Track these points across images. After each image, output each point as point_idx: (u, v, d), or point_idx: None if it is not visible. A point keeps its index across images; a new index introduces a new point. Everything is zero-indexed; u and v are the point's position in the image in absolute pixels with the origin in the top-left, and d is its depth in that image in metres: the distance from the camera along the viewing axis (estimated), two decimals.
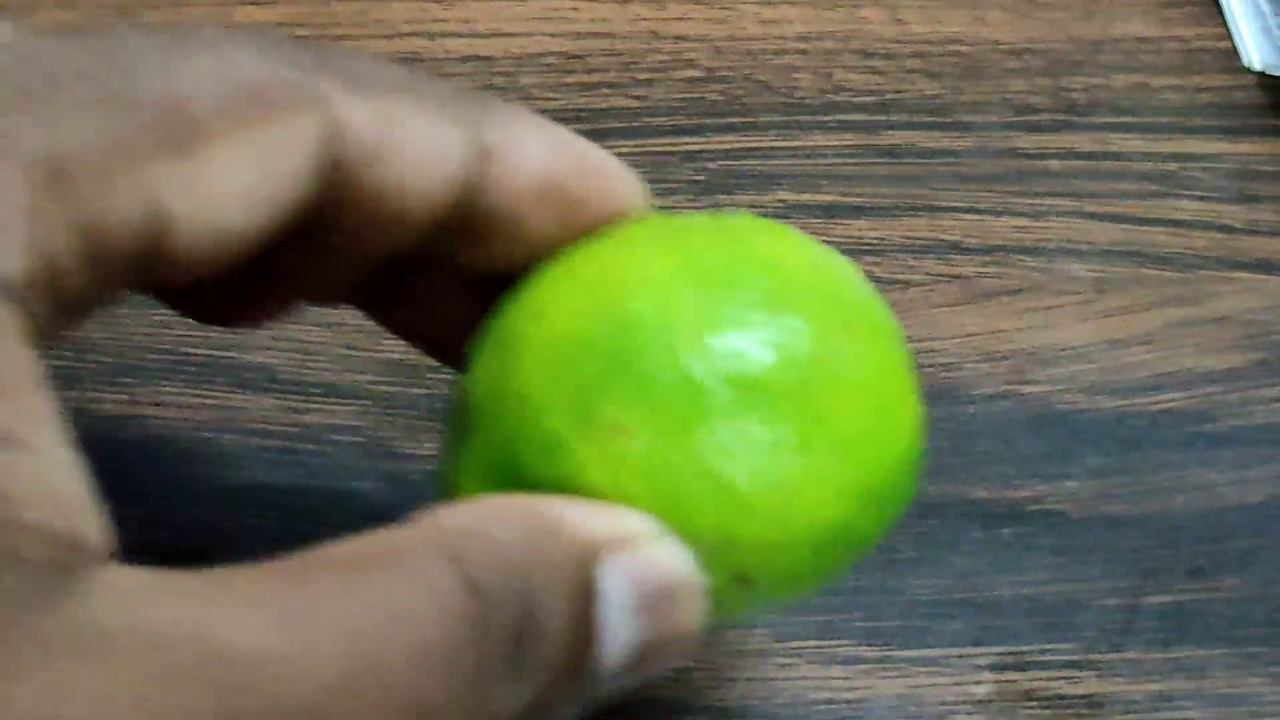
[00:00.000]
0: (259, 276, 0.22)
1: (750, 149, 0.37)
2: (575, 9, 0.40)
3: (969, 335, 0.34)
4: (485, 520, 0.18)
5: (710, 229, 0.22)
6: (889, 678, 0.28)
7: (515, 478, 0.21)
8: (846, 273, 0.23)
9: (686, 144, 0.37)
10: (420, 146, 0.20)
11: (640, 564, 0.19)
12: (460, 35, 0.39)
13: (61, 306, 0.17)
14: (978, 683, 0.28)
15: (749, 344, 0.20)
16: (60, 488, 0.15)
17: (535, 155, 0.21)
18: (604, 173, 0.22)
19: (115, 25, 0.18)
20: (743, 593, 0.21)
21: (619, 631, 0.19)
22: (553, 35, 0.39)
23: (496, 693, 0.17)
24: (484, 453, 0.22)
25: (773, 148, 0.37)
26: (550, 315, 0.21)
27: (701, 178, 0.36)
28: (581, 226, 0.22)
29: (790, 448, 0.20)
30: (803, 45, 0.40)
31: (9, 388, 0.15)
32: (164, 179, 0.18)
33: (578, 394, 0.20)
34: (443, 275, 0.24)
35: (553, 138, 0.22)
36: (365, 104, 0.20)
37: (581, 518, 0.19)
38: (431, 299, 0.25)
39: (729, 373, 0.20)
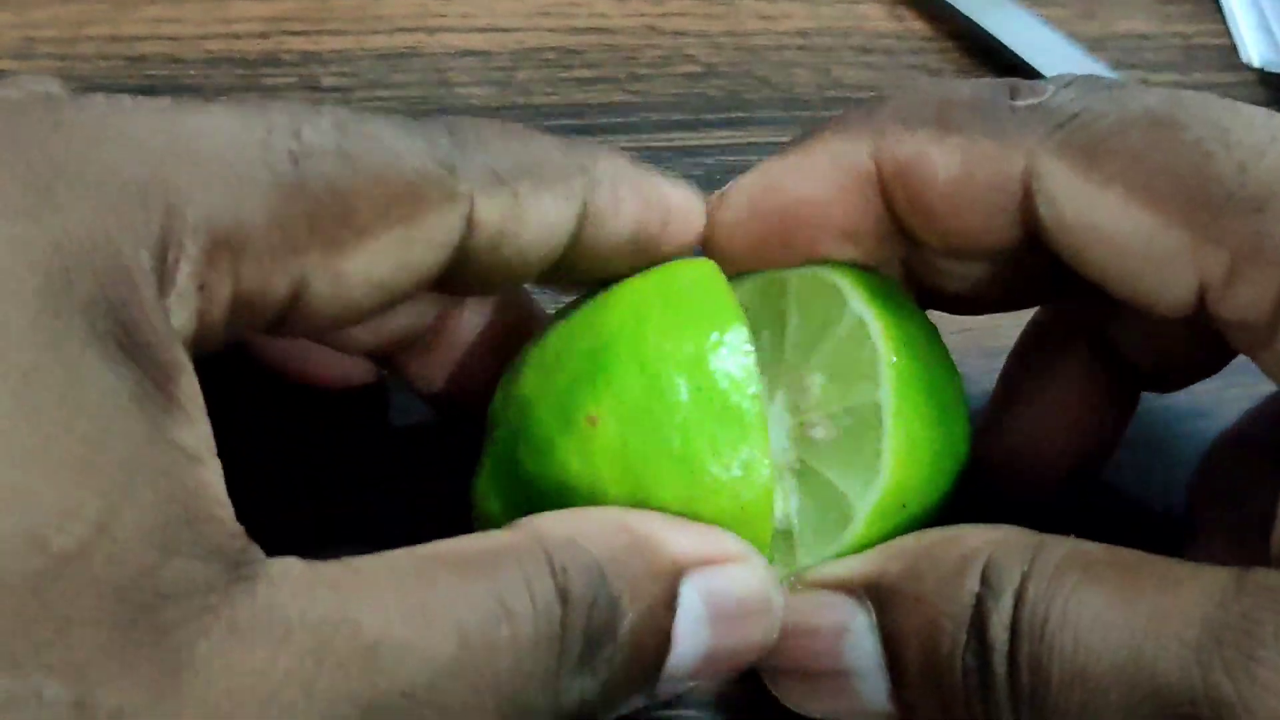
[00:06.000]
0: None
1: (748, 144, 0.37)
2: (574, 4, 0.40)
3: (967, 329, 0.34)
4: (581, 532, 0.20)
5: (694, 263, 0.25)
6: None
7: (516, 475, 0.23)
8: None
9: (684, 139, 0.37)
10: (538, 227, 0.22)
11: (720, 581, 0.21)
12: (458, 30, 0.39)
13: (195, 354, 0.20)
14: None
15: (704, 346, 0.22)
16: (224, 499, 0.18)
17: (629, 214, 0.23)
18: (679, 214, 0.24)
19: (289, 109, 0.20)
20: None
21: (690, 641, 0.20)
22: (551, 30, 0.39)
23: (568, 685, 0.19)
24: (496, 454, 0.24)
25: (771, 143, 0.37)
26: (549, 336, 0.24)
27: (699, 173, 0.36)
28: (654, 259, 0.24)
29: (742, 430, 0.22)
30: (801, 41, 0.40)
31: (193, 416, 0.18)
32: (314, 266, 0.20)
33: (562, 395, 0.22)
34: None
35: (644, 190, 0.24)
36: (498, 197, 0.21)
37: (673, 535, 0.21)
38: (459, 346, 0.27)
39: (686, 368, 0.22)
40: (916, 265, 0.25)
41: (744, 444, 0.22)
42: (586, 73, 0.38)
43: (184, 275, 0.18)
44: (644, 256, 0.24)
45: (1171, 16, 0.41)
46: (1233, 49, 0.40)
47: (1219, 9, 0.41)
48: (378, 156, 0.20)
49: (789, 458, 0.24)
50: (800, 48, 0.39)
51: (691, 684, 0.21)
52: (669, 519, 0.21)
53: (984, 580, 0.20)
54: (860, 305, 0.24)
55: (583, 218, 0.23)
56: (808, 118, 0.38)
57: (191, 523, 0.17)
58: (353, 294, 0.20)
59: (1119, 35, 0.41)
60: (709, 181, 0.36)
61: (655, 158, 0.36)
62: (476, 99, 0.37)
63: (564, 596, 0.19)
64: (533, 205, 0.22)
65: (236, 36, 0.38)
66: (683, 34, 0.39)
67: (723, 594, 0.21)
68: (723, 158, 0.37)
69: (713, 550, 0.21)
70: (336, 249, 0.20)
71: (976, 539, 0.21)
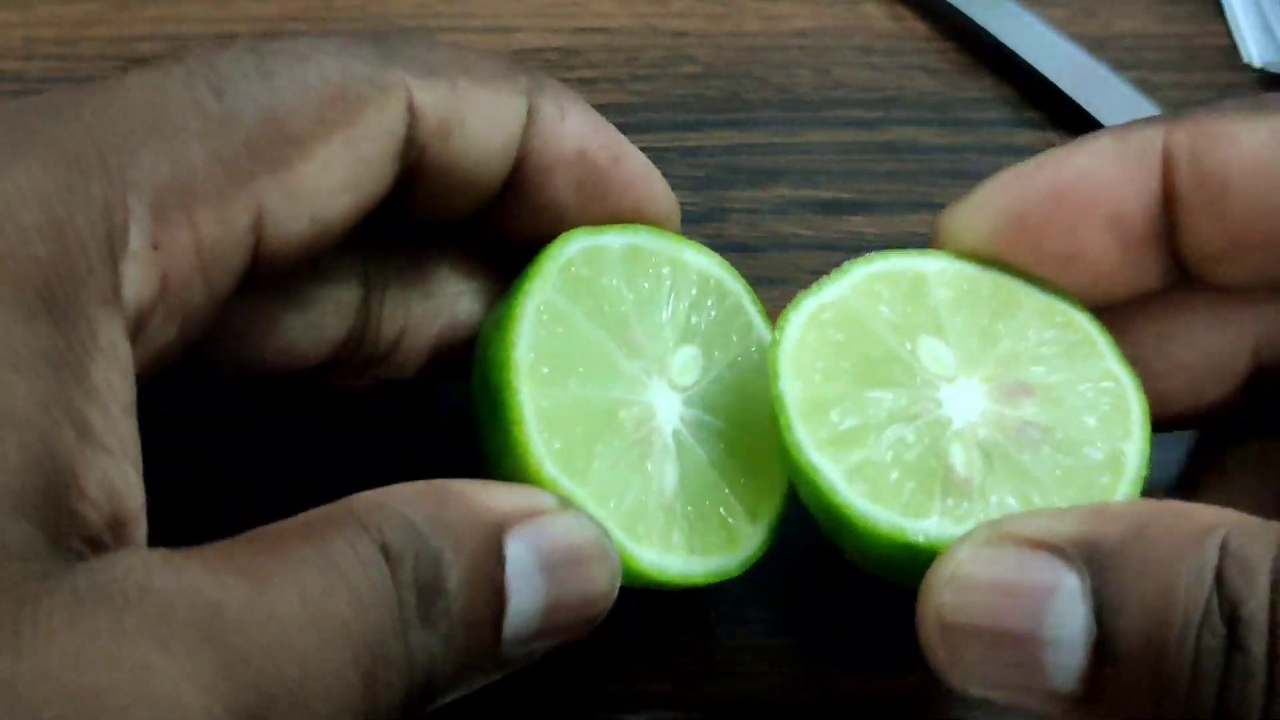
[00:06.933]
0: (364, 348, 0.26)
1: (749, 145, 0.37)
2: (575, 4, 0.40)
3: None
4: (392, 498, 0.20)
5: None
6: (885, 674, 0.28)
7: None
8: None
9: (686, 140, 0.37)
10: (484, 116, 0.23)
11: (544, 532, 0.21)
12: (459, 30, 0.39)
13: (184, 321, 0.20)
14: None
15: (489, 348, 0.24)
16: (119, 489, 0.18)
17: (575, 126, 0.24)
18: (634, 165, 0.25)
19: (202, 51, 0.21)
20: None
21: (525, 594, 0.20)
22: (552, 30, 0.39)
23: (413, 640, 0.19)
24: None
25: (772, 143, 0.37)
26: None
27: (701, 173, 0.36)
28: (603, 209, 0.25)
29: (510, 434, 0.23)
30: (802, 41, 0.40)
31: (106, 403, 0.18)
32: (267, 191, 0.20)
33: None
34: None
35: (594, 120, 0.24)
36: (434, 86, 0.22)
37: (490, 494, 0.21)
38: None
39: (480, 375, 0.24)
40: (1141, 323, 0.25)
41: (513, 450, 0.23)
42: (588, 72, 0.38)
43: (136, 237, 0.19)
44: (594, 198, 0.24)
45: (1172, 16, 0.41)
46: (1233, 49, 0.40)
47: (1219, 9, 0.41)
48: (299, 68, 0.21)
49: (980, 434, 0.24)
50: (801, 48, 0.39)
51: (542, 645, 0.21)
52: (485, 483, 0.21)
53: (1224, 552, 0.18)
54: (1116, 365, 0.25)
55: (530, 118, 0.23)
56: (808, 118, 0.38)
57: (49, 499, 0.17)
58: (316, 206, 0.21)
59: (1119, 35, 0.41)
60: (709, 182, 0.36)
61: (656, 158, 0.36)
62: None
63: (385, 552, 0.19)
64: (472, 97, 0.22)
65: (238, 36, 0.38)
66: (684, 34, 0.39)
67: (552, 543, 0.21)
68: (723, 158, 0.37)
69: (532, 504, 0.21)
70: (284, 167, 0.20)
71: (1206, 513, 0.19)
